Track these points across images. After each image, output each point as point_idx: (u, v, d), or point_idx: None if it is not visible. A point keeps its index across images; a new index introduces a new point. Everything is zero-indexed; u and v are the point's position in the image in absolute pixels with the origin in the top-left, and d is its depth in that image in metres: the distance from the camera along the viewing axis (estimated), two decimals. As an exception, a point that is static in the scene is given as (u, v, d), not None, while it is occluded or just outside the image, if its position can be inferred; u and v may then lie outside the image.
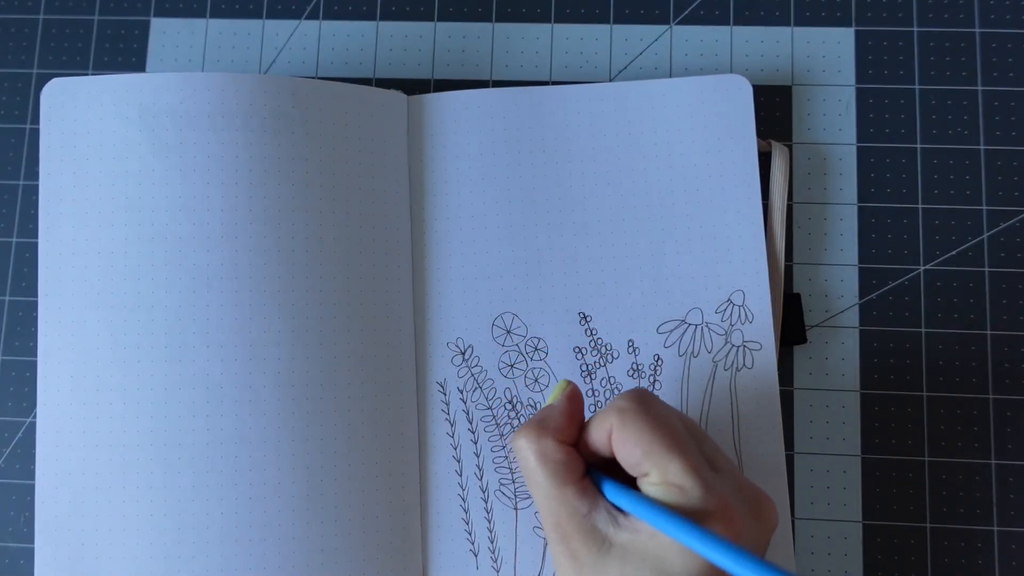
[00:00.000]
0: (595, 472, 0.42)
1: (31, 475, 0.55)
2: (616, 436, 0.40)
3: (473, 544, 0.52)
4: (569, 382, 0.45)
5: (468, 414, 0.54)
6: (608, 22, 0.60)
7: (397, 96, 0.56)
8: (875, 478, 0.54)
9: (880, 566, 0.53)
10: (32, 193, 0.58)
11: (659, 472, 0.39)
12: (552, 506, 0.41)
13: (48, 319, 0.52)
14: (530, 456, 0.41)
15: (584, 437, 0.43)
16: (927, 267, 0.56)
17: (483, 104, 0.56)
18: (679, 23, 0.60)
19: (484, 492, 0.53)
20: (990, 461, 0.54)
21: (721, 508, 0.38)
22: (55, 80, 0.54)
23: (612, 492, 0.41)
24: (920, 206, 0.56)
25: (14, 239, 0.58)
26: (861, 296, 0.56)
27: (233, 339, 0.51)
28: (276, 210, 0.52)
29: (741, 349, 0.53)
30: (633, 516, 0.40)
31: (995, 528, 0.53)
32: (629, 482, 0.41)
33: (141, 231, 0.52)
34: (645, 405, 0.41)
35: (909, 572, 0.53)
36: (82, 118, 0.53)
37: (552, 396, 0.45)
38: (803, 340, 0.55)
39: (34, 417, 0.53)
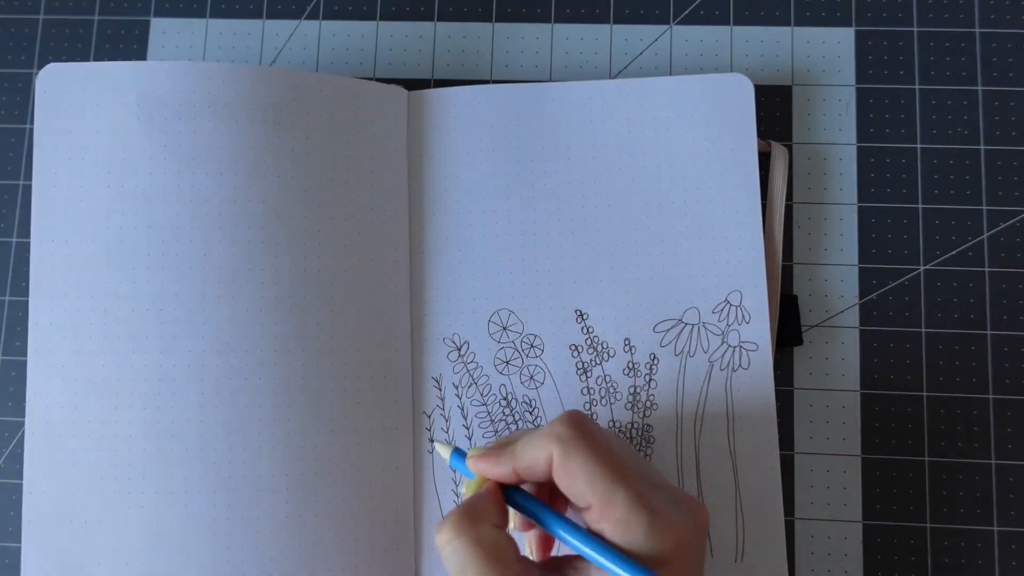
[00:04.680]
0: (541, 508, 0.42)
1: (30, 474, 0.55)
2: (558, 466, 0.39)
3: (466, 540, 0.52)
4: (485, 479, 0.43)
5: (463, 410, 0.54)
6: (608, 22, 0.60)
7: (397, 91, 0.56)
8: (875, 478, 0.54)
9: (880, 566, 0.53)
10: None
11: (601, 505, 0.38)
12: None
13: (39, 307, 0.52)
14: (465, 546, 0.38)
15: (515, 459, 0.41)
16: (927, 267, 0.56)
17: (483, 100, 0.56)
18: (679, 23, 0.60)
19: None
20: (990, 461, 0.53)
21: (670, 535, 0.38)
22: (51, 65, 0.53)
23: (558, 529, 0.40)
24: (920, 206, 0.56)
25: (14, 239, 0.58)
26: (861, 296, 0.56)
27: (227, 330, 0.51)
28: (273, 202, 0.52)
29: (737, 349, 0.53)
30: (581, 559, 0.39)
31: (995, 528, 0.53)
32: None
33: (136, 220, 0.52)
34: (586, 432, 0.40)
35: (909, 572, 0.53)
36: (78, 104, 0.53)
37: (470, 491, 0.43)
38: (799, 342, 0.55)
39: (33, 415, 0.53)
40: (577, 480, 0.39)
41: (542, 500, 0.42)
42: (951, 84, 0.58)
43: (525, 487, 0.43)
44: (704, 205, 0.54)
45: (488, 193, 0.55)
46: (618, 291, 0.54)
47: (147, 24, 0.61)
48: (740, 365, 0.53)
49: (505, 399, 0.54)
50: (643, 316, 0.54)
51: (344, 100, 0.54)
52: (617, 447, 0.41)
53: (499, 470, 0.42)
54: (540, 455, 0.40)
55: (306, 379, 0.51)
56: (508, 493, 0.42)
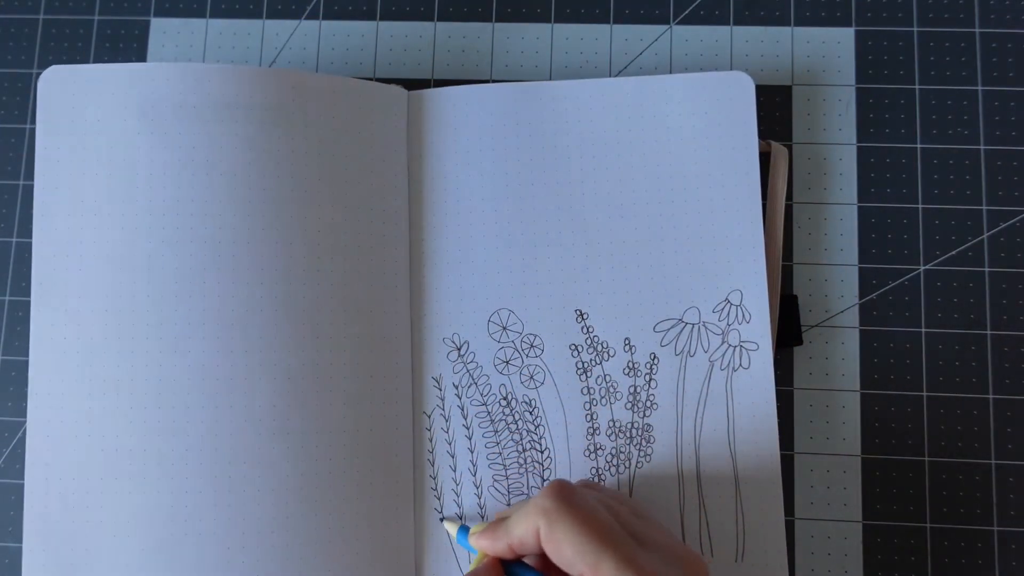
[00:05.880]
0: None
1: (30, 474, 0.55)
2: (546, 539, 0.41)
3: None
4: (485, 553, 0.45)
5: (463, 409, 0.53)
6: (608, 22, 0.60)
7: (398, 91, 0.56)
8: (875, 478, 0.54)
9: (880, 566, 0.53)
10: (32, 193, 0.58)
11: (591, 572, 0.39)
12: None
13: (41, 307, 0.52)
14: None
15: (508, 534, 0.43)
16: (927, 267, 0.56)
17: (483, 99, 0.56)
18: (679, 23, 0.59)
19: (478, 488, 0.53)
20: (990, 461, 0.53)
21: None
22: (53, 68, 0.53)
23: None
24: (920, 206, 0.56)
25: (14, 239, 0.58)
26: (861, 296, 0.56)
27: (229, 332, 0.51)
28: (275, 202, 0.52)
29: (738, 349, 0.53)
30: None
31: (995, 528, 0.53)
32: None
33: (137, 220, 0.52)
34: (570, 503, 0.41)
35: (909, 572, 0.53)
36: (80, 107, 0.53)
37: (473, 565, 0.45)
38: (799, 342, 0.55)
39: (33, 416, 0.53)
40: (565, 550, 0.40)
41: (546, 570, 0.44)
42: (951, 84, 0.58)
43: (528, 559, 0.44)
44: (705, 204, 0.54)
45: (488, 192, 0.55)
46: (618, 290, 0.54)
47: (147, 24, 0.61)
48: (740, 365, 0.53)
49: (505, 399, 0.53)
50: (643, 316, 0.54)
51: (344, 100, 0.54)
52: (603, 512, 0.42)
53: (497, 546, 0.43)
54: (529, 529, 0.41)
55: (306, 379, 0.51)
56: (507, 566, 0.44)
